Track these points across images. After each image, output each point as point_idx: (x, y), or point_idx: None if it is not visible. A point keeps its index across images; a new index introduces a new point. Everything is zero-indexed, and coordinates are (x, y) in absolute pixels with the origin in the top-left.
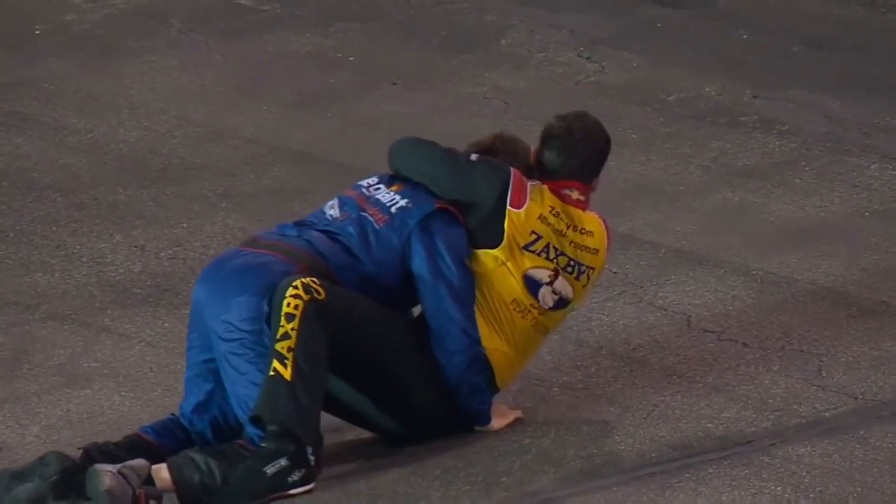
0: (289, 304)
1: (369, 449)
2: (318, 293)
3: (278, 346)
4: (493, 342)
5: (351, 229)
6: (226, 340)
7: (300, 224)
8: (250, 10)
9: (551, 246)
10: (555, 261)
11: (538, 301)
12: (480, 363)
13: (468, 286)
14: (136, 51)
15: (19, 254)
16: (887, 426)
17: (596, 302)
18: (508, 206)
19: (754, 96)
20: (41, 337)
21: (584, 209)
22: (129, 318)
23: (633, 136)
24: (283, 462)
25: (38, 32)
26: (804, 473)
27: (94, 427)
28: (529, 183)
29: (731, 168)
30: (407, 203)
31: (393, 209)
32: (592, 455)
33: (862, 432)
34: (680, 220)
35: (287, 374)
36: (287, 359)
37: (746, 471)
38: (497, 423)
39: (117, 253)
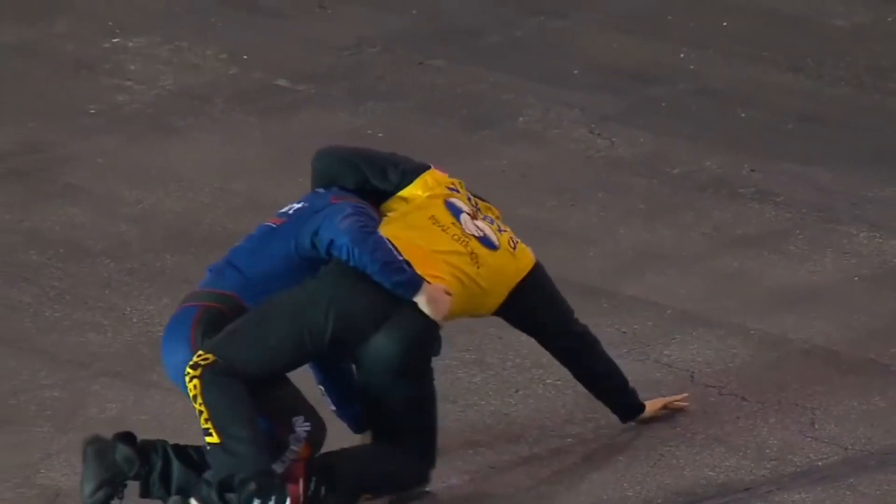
0: (191, 389)
1: None
2: (206, 359)
3: (201, 424)
4: (392, 231)
5: (244, 244)
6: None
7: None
8: (287, 91)
9: (471, 196)
10: (473, 206)
11: (460, 223)
12: (373, 242)
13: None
14: (183, 128)
15: (74, 315)
16: (875, 474)
17: None
18: (431, 166)
19: (752, 170)
20: (94, 392)
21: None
22: None
23: (641, 205)
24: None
25: (92, 112)
26: None
27: None
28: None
29: (731, 236)
30: (303, 204)
31: (290, 212)
32: (603, 502)
33: (851, 480)
34: (684, 284)
35: (215, 439)
36: (209, 429)
37: None
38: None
39: (164, 314)
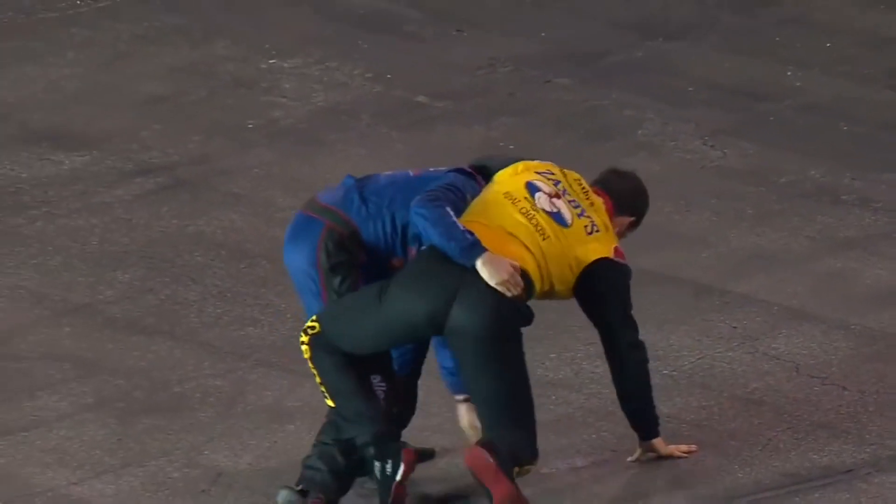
0: (304, 352)
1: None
2: (313, 327)
3: (318, 386)
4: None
5: (382, 181)
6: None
7: (358, 182)
8: (426, 107)
9: (562, 183)
10: (558, 189)
11: (534, 198)
12: (435, 212)
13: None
14: (332, 142)
15: (234, 311)
16: None
17: (718, 352)
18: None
19: (853, 178)
20: (252, 381)
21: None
22: None
23: (750, 211)
24: (377, 465)
25: (250, 126)
26: None
27: (298, 456)
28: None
29: (833, 239)
30: (439, 170)
31: (430, 170)
32: (717, 482)
33: None
34: (790, 283)
35: (330, 402)
36: (323, 392)
37: (847, 495)
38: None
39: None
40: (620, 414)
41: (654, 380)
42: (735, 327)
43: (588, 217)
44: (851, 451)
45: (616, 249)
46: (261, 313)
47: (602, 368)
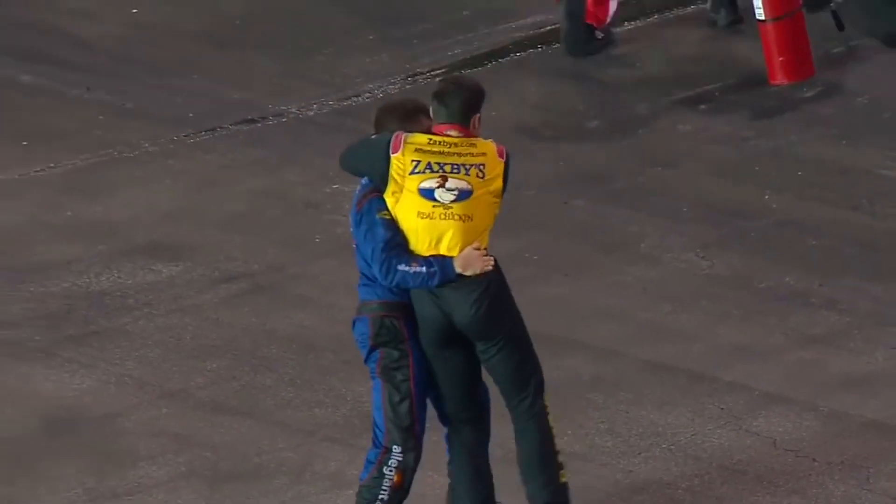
0: None
1: None
2: None
3: None
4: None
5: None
6: None
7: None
8: None
9: (432, 163)
10: (439, 171)
11: (438, 201)
12: (399, 278)
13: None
14: None
15: (303, 395)
16: None
17: (709, 429)
18: (391, 155)
19: (820, 284)
20: (318, 454)
21: (473, 137)
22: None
23: (735, 311)
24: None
25: (317, 240)
26: None
27: None
28: (405, 134)
29: (804, 335)
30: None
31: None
32: None
33: None
34: (768, 372)
35: None
36: None
37: None
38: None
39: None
40: (626, 481)
41: (655, 453)
42: (723, 408)
43: (471, 167)
44: None
45: (498, 152)
46: (325, 396)
47: (611, 443)
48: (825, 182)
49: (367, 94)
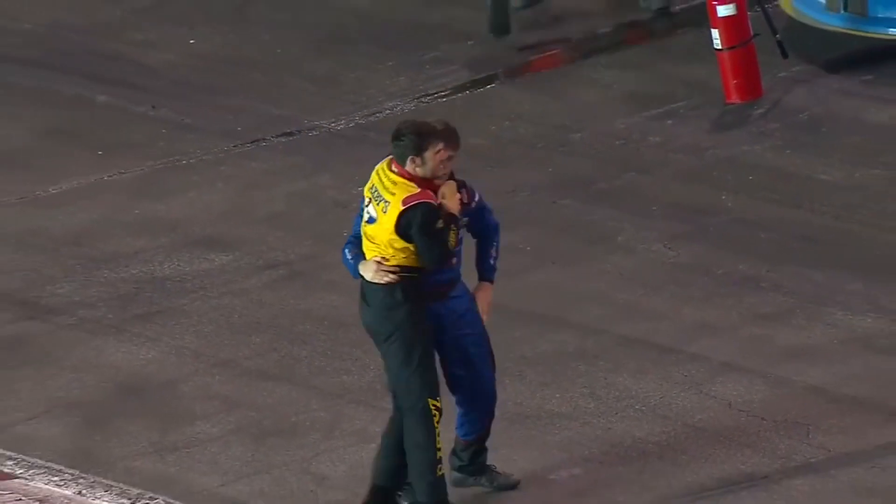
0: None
1: None
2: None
3: None
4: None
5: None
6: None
7: None
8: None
9: (374, 187)
10: (371, 196)
11: (364, 218)
12: (344, 248)
13: None
14: None
15: (333, 364)
16: (848, 468)
17: (674, 393)
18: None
19: (768, 270)
20: (346, 414)
21: (408, 179)
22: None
23: (697, 294)
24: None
25: (344, 234)
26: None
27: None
28: (382, 162)
29: (756, 314)
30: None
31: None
32: (671, 485)
33: (833, 472)
34: (726, 345)
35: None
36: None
37: (765, 494)
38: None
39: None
40: (605, 437)
41: (629, 413)
42: (686, 376)
43: (381, 202)
44: (768, 463)
45: (403, 201)
46: (352, 366)
47: (593, 404)
48: (772, 185)
49: (388, 111)
